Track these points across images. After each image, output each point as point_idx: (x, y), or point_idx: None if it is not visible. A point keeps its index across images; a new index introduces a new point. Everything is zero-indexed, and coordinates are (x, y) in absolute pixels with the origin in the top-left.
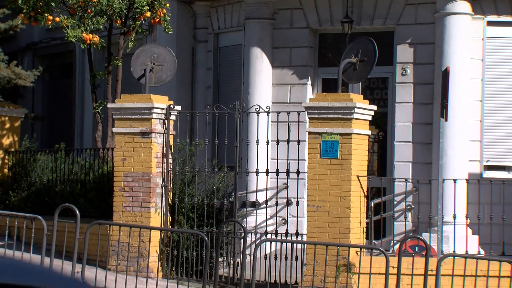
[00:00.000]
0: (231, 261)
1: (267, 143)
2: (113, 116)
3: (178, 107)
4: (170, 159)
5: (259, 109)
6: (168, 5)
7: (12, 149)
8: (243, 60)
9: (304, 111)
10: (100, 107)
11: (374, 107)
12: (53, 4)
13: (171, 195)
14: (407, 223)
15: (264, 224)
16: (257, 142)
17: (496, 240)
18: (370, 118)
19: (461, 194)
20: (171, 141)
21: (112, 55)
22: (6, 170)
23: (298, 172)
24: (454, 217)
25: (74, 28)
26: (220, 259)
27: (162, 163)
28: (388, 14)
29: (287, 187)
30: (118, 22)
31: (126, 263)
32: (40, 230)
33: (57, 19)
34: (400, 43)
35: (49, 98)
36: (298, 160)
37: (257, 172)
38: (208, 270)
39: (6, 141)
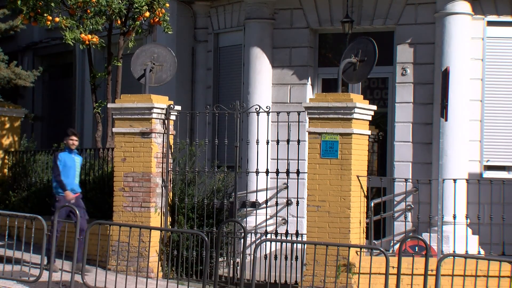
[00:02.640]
0: (231, 261)
1: (267, 143)
2: (113, 116)
3: (178, 107)
4: (170, 159)
5: (259, 109)
6: (168, 5)
7: (12, 149)
8: (243, 60)
9: (304, 111)
10: (100, 107)
11: (374, 107)
12: (52, 4)
13: (171, 195)
14: (407, 223)
15: (264, 224)
16: (257, 142)
17: (496, 240)
18: (370, 118)
19: (461, 194)
20: (171, 141)
21: (112, 55)
22: (6, 170)
23: (298, 172)
24: (454, 217)
25: (72, 30)
26: (220, 259)
27: (162, 163)
28: (388, 14)
29: (287, 187)
30: (118, 22)
31: (126, 263)
32: (40, 230)
33: (57, 19)
34: (400, 43)
35: (49, 98)
36: (298, 160)
37: (257, 172)
38: (208, 270)
39: (6, 141)
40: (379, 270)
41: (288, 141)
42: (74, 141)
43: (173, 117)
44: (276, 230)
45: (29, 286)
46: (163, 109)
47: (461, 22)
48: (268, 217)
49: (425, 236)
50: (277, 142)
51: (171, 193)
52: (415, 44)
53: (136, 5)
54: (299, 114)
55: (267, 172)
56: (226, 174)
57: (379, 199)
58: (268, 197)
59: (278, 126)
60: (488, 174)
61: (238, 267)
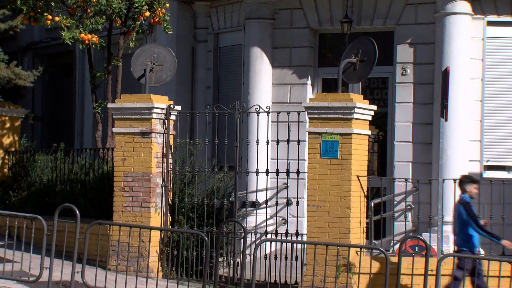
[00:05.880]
0: (231, 261)
1: (267, 143)
2: (113, 116)
3: (178, 107)
4: (170, 159)
5: (259, 109)
6: (168, 5)
7: (12, 149)
8: (243, 60)
9: (304, 111)
10: (100, 107)
11: (374, 107)
12: (52, 4)
13: (171, 195)
14: (407, 223)
15: (264, 224)
16: (257, 142)
17: None
18: (370, 118)
19: None
20: (171, 141)
21: (112, 55)
22: (6, 170)
23: (298, 172)
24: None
25: (71, 29)
26: (220, 259)
27: (162, 163)
28: (388, 14)
29: (287, 187)
30: (118, 22)
31: (126, 263)
32: (40, 230)
33: (57, 18)
34: (400, 43)
35: (49, 98)
36: (298, 160)
37: (257, 172)
38: (208, 270)
39: (6, 141)
40: (379, 270)
41: (288, 141)
42: (478, 189)
43: (173, 117)
44: (276, 230)
45: (29, 286)
46: (163, 109)
47: (461, 22)
48: (268, 217)
49: (425, 236)
50: (277, 142)
51: (171, 193)
52: (415, 44)
53: (136, 5)
54: (299, 114)
55: (267, 172)
56: (226, 174)
57: (379, 199)
58: (268, 197)
59: (278, 126)
60: (488, 174)
61: (238, 267)
